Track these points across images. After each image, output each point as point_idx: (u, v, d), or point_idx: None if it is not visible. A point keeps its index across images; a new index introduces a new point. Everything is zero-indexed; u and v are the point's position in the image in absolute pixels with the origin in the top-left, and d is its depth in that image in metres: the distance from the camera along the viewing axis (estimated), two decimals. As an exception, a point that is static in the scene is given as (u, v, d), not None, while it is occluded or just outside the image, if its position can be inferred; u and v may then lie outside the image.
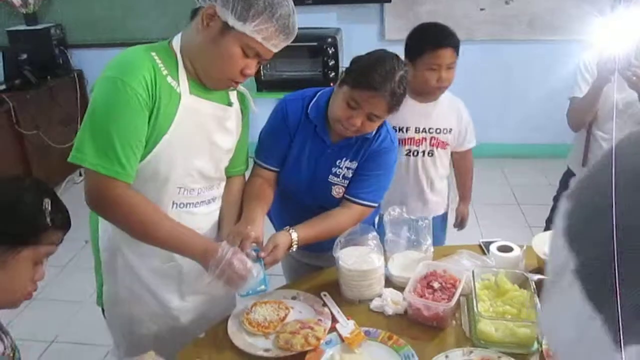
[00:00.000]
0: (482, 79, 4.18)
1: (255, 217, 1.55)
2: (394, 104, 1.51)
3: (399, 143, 2.00)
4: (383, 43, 4.28)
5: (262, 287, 1.44)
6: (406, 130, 2.01)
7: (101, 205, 1.33)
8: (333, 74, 3.81)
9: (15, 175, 1.17)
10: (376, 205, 1.70)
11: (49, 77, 4.28)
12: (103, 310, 1.60)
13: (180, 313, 1.55)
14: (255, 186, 1.67)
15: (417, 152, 2.03)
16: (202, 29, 1.30)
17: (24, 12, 4.42)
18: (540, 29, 4.15)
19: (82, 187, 1.37)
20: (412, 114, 1.98)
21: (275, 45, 1.32)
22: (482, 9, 4.13)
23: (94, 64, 4.70)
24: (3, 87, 3.92)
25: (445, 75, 1.90)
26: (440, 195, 2.14)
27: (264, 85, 3.94)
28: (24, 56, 4.09)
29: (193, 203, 1.47)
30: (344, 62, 4.09)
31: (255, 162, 1.73)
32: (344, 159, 1.66)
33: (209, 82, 1.39)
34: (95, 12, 4.54)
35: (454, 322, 1.46)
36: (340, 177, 1.67)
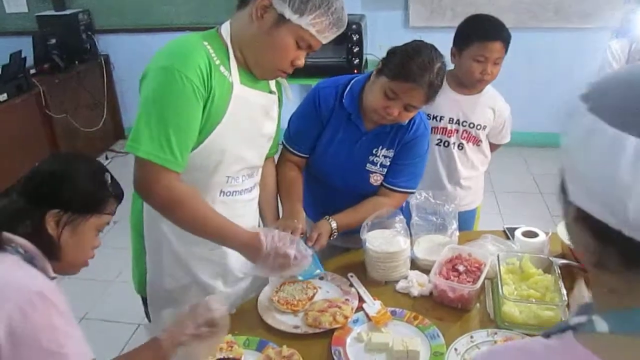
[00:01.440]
0: (506, 67, 4.13)
1: (299, 210, 1.64)
2: (431, 95, 1.53)
3: (433, 131, 2.02)
4: (407, 30, 4.28)
5: (318, 271, 1.54)
6: (440, 119, 2.02)
7: (151, 193, 1.32)
8: (357, 60, 3.82)
9: (72, 152, 1.23)
10: (414, 191, 1.73)
11: (76, 61, 4.37)
12: (144, 299, 1.62)
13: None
14: (291, 176, 1.73)
15: (448, 143, 2.04)
16: (256, 19, 1.30)
17: (53, -3, 4.50)
18: (567, 16, 4.10)
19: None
20: (449, 104, 1.99)
21: (327, 37, 1.34)
22: (507, -4, 4.10)
23: (120, 49, 4.78)
24: (33, 71, 4.00)
25: (490, 69, 1.90)
26: (469, 191, 2.14)
27: (287, 71, 3.96)
28: (53, 41, 4.18)
29: (238, 191, 1.50)
30: (368, 49, 4.10)
31: (285, 147, 1.76)
32: (380, 147, 1.68)
33: (258, 71, 1.40)
34: (121, -2, 4.62)
35: (477, 304, 1.49)
36: (378, 165, 1.70)
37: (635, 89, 0.55)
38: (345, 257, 1.71)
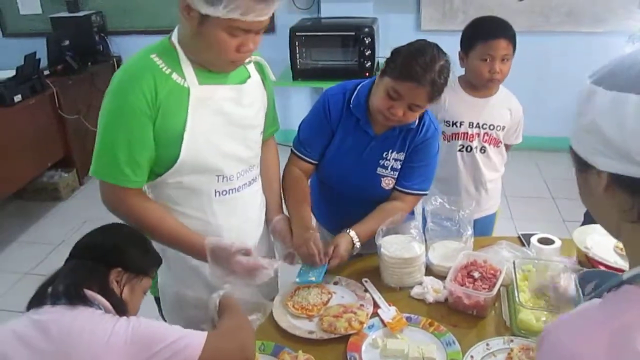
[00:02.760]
0: (517, 70, 4.10)
1: (310, 220, 1.65)
2: (435, 94, 1.52)
3: (452, 137, 2.02)
4: (419, 33, 4.27)
5: (313, 278, 1.52)
6: (460, 125, 2.02)
7: (113, 210, 1.41)
8: (369, 63, 3.82)
9: (122, 224, 1.40)
10: (427, 193, 1.73)
11: (89, 63, 4.39)
12: (157, 299, 1.66)
13: None
14: (300, 184, 1.73)
15: (470, 148, 2.04)
16: (186, 20, 1.29)
17: (67, -1, 4.53)
18: (580, 20, 4.09)
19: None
20: (466, 108, 2.00)
21: (259, 14, 1.25)
22: (520, 0, 4.09)
23: (132, 51, 4.74)
24: (47, 72, 4.03)
25: (499, 66, 1.90)
26: (491, 195, 2.14)
27: (299, 74, 3.97)
28: (67, 42, 4.21)
29: (235, 188, 1.50)
30: (380, 52, 4.09)
31: (293, 153, 1.77)
32: (390, 151, 1.68)
33: (213, 68, 1.38)
34: (134, 0, 4.64)
35: (492, 311, 1.48)
36: (389, 168, 1.69)
37: (634, 61, 0.69)
38: (359, 262, 1.71)
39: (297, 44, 3.87)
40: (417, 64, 1.48)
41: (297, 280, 1.54)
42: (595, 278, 1.37)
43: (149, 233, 1.39)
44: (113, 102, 1.32)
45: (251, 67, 1.51)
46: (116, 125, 1.33)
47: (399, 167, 1.69)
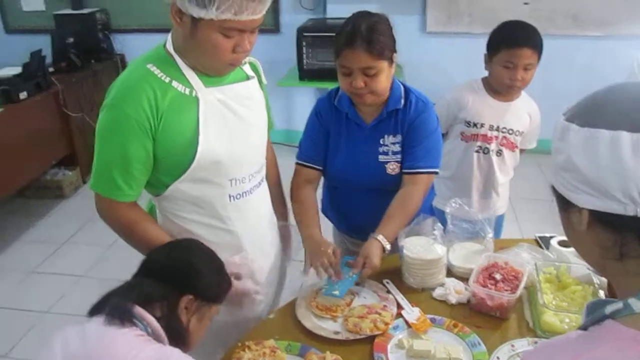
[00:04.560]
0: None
1: (319, 235, 1.64)
2: (372, 49, 1.51)
3: (472, 138, 2.03)
4: (424, 35, 4.28)
5: (336, 292, 1.50)
6: (480, 126, 2.04)
7: (106, 222, 1.39)
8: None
9: (197, 242, 1.33)
10: (438, 169, 1.72)
11: (93, 60, 4.37)
12: None
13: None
14: (309, 198, 1.73)
15: (488, 150, 2.06)
16: (178, 25, 1.27)
17: (71, -4, 4.51)
18: (585, 23, 4.11)
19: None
20: (488, 110, 2.01)
21: (252, 12, 1.22)
22: (525, 3, 4.11)
23: (135, 49, 4.76)
24: (51, 69, 4.01)
25: (521, 75, 1.91)
26: (502, 197, 2.17)
27: (305, 74, 3.98)
28: (71, 40, 4.19)
29: (247, 191, 1.48)
30: (386, 53, 4.10)
31: (298, 164, 1.79)
32: (386, 136, 1.70)
33: (210, 72, 1.35)
34: (137, -2, 4.62)
35: (514, 313, 1.49)
36: (390, 153, 1.70)
37: (608, 97, 0.70)
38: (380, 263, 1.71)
39: (303, 44, 3.87)
40: (345, 31, 1.54)
41: (323, 292, 1.53)
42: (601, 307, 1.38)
43: (139, 246, 1.39)
44: (110, 116, 1.29)
45: (247, 68, 1.51)
46: (114, 141, 1.30)
47: (399, 150, 1.69)
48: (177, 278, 1.18)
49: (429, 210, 1.86)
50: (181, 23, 1.25)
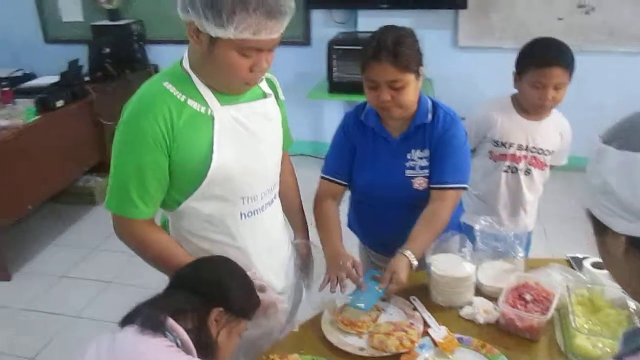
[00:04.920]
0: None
1: (341, 247, 1.63)
2: (398, 63, 1.52)
3: (500, 158, 2.01)
4: (456, 49, 4.26)
5: (362, 305, 1.49)
6: (509, 147, 2.00)
7: (122, 240, 1.39)
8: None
9: (230, 260, 1.34)
10: (467, 186, 1.70)
11: (127, 70, 4.46)
12: None
13: None
14: (332, 212, 1.74)
15: (516, 170, 2.02)
16: (195, 44, 1.25)
17: (108, 8, 4.63)
18: (622, 40, 4.04)
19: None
20: (517, 130, 1.98)
21: (271, 32, 1.20)
22: (560, 19, 4.06)
23: (169, 60, 4.75)
24: (87, 78, 4.12)
25: (552, 95, 1.87)
26: (530, 215, 2.13)
27: (335, 87, 4.00)
28: (107, 50, 4.29)
29: (260, 208, 1.47)
30: (417, 68, 4.09)
31: (323, 179, 1.79)
32: (413, 150, 1.68)
33: (226, 90, 1.34)
34: (173, 10, 4.66)
35: (544, 335, 1.45)
36: (417, 168, 1.69)
37: None
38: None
39: (334, 58, 3.89)
40: (369, 47, 1.55)
41: (349, 303, 1.53)
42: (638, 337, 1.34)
43: (157, 264, 1.40)
44: (127, 133, 1.29)
45: (264, 85, 1.49)
46: (129, 157, 1.30)
47: (427, 165, 1.68)
48: (208, 291, 1.19)
49: (457, 227, 1.84)
50: (198, 41, 1.24)
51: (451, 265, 1.55)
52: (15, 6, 5.00)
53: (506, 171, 2.03)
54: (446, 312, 1.54)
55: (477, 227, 1.69)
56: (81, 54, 4.19)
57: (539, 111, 1.97)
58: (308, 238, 1.78)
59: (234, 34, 1.18)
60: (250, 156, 1.39)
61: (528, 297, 1.50)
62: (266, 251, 1.53)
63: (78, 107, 3.84)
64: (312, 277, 1.76)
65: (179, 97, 1.30)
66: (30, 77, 4.45)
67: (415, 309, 1.54)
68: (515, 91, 2.01)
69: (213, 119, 1.32)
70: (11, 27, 5.04)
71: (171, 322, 1.09)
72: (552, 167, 2.14)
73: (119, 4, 4.65)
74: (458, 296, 1.54)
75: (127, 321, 1.12)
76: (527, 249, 2.17)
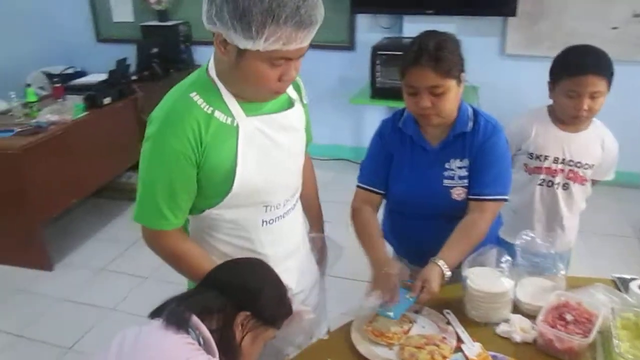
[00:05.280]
0: (606, 101, 3.95)
1: (385, 255, 1.60)
2: (439, 67, 1.48)
3: (535, 171, 1.93)
4: (503, 57, 4.17)
5: (390, 313, 1.45)
6: (544, 159, 1.93)
7: (152, 249, 1.39)
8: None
9: (266, 264, 1.33)
10: (507, 197, 1.64)
11: (172, 70, 4.55)
12: None
13: None
14: (371, 219, 1.71)
15: (552, 183, 1.94)
16: (222, 54, 1.22)
17: (157, 8, 4.74)
18: (679, 51, 3.85)
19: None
20: (553, 142, 1.90)
21: (300, 42, 1.17)
22: (614, 28, 3.91)
23: (213, 61, 4.96)
24: (134, 77, 4.21)
25: (588, 104, 1.78)
26: (568, 232, 2.03)
27: (377, 93, 3.97)
28: (155, 50, 4.39)
29: (280, 216, 1.46)
30: (461, 75, 4.02)
31: (359, 187, 1.75)
32: (452, 160, 1.64)
33: (254, 99, 1.33)
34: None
35: (584, 359, 1.38)
36: (456, 178, 1.64)
37: None
38: (441, 291, 1.64)
39: (377, 63, 3.86)
40: (410, 51, 1.52)
41: (377, 311, 1.49)
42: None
43: (187, 274, 1.41)
44: (155, 149, 1.27)
45: (289, 89, 1.44)
46: (158, 170, 1.28)
47: (466, 174, 1.63)
48: (237, 293, 1.18)
49: (495, 240, 1.78)
50: (225, 52, 1.20)
51: (488, 279, 1.50)
52: (71, 7, 5.17)
53: (540, 184, 1.95)
54: (481, 328, 1.48)
55: (517, 242, 1.63)
56: (130, 53, 4.30)
57: (575, 122, 1.87)
58: (323, 231, 1.78)
59: (263, 46, 1.15)
60: (273, 167, 1.38)
61: (568, 317, 1.43)
62: (285, 256, 1.51)
63: (124, 105, 3.93)
64: (324, 266, 1.77)
65: (205, 109, 1.28)
66: (81, 74, 4.59)
67: (448, 323, 1.49)
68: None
69: (237, 129, 1.31)
70: (67, 27, 5.21)
71: (195, 319, 1.08)
72: (595, 182, 2.05)
73: (168, 5, 4.75)
74: (494, 312, 1.49)
75: (155, 314, 1.12)
76: (566, 267, 2.08)
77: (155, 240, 1.37)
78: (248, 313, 1.17)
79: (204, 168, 1.29)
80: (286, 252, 1.52)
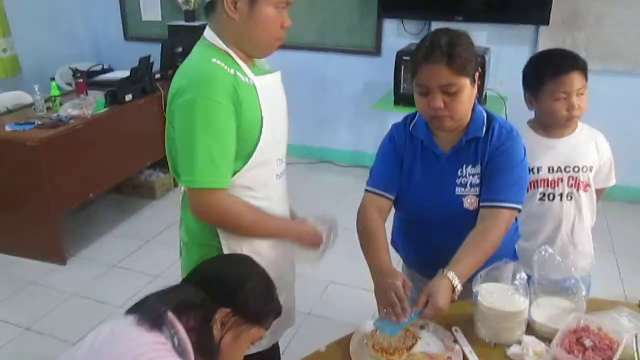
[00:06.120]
0: (636, 114, 3.78)
1: (390, 266, 1.49)
2: (452, 64, 1.40)
3: (532, 186, 1.82)
4: (533, 67, 4.03)
5: (387, 328, 1.36)
6: (538, 171, 1.82)
7: (209, 216, 1.42)
8: (477, 95, 3.63)
9: (249, 257, 1.31)
10: (521, 206, 1.53)
11: (196, 70, 4.55)
12: None
13: None
14: (377, 225, 1.60)
15: (553, 196, 1.84)
16: (233, 13, 1.37)
17: (185, 8, 4.75)
18: None
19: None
20: (542, 151, 1.81)
21: None
22: (653, 39, 3.74)
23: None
24: (158, 75, 4.22)
25: (576, 102, 1.73)
26: (583, 250, 1.90)
27: (400, 99, 3.90)
28: (180, 49, 4.39)
29: (283, 171, 1.59)
30: (489, 84, 3.91)
31: (369, 192, 1.66)
32: (464, 166, 1.55)
33: (259, 53, 1.47)
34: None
35: (603, 389, 1.27)
36: (468, 186, 1.55)
37: None
38: (450, 307, 1.54)
39: (402, 68, 3.77)
40: (421, 47, 1.45)
41: (374, 324, 1.40)
42: None
43: (250, 232, 1.46)
44: (205, 107, 1.33)
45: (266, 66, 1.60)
46: (212, 129, 1.34)
47: (478, 182, 1.53)
48: (218, 288, 1.11)
49: (512, 254, 1.67)
50: (236, 11, 1.36)
51: (501, 297, 1.40)
52: (103, 6, 5.27)
53: (541, 199, 1.84)
54: (491, 349, 1.38)
55: (535, 258, 1.52)
56: (156, 51, 4.31)
57: (569, 124, 1.81)
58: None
59: None
60: (282, 119, 1.55)
61: (587, 343, 1.32)
62: (285, 212, 1.64)
63: (146, 102, 3.93)
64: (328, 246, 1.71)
65: (229, 71, 1.38)
66: (107, 71, 4.63)
67: (455, 341, 1.40)
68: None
69: (255, 87, 1.43)
70: (98, 26, 5.32)
71: (171, 316, 1.02)
72: (601, 192, 1.94)
73: (196, 6, 4.75)
74: (506, 332, 1.38)
75: (133, 309, 1.06)
76: (587, 290, 1.95)
77: (216, 202, 1.39)
78: (228, 310, 1.09)
79: (241, 125, 1.39)
80: (286, 208, 1.65)
